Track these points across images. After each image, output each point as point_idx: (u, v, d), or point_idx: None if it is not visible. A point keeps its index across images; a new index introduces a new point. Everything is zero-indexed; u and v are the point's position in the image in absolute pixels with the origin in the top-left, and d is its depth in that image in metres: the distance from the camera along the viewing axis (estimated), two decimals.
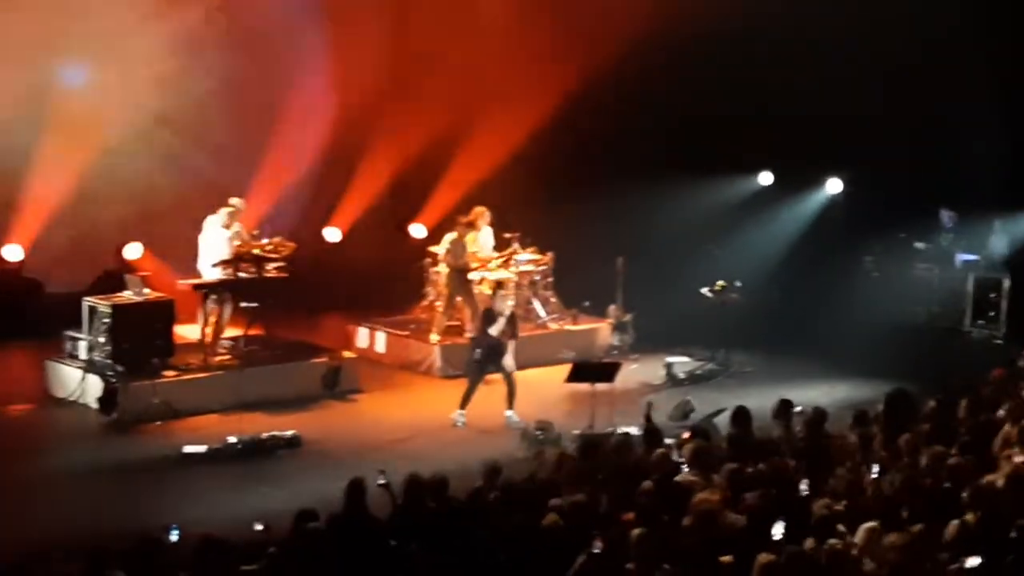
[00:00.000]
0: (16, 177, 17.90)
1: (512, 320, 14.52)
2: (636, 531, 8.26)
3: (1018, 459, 9.84)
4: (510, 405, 14.31)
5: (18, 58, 17.59)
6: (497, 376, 14.55)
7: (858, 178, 19.17)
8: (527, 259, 17.31)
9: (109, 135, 18.56)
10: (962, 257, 18.48)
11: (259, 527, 8.92)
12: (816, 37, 17.82)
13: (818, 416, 11.40)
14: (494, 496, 9.19)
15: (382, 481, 9.65)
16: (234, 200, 15.50)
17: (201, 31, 18.98)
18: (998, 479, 9.57)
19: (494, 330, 14.25)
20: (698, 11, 17.90)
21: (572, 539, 8.42)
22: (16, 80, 17.76)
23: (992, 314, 17.77)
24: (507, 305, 14.57)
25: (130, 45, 18.58)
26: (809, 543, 8.32)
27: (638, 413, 12.40)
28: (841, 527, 8.72)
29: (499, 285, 15.22)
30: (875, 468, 10.08)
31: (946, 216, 18.71)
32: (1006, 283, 17.68)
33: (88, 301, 14.75)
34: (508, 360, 14.41)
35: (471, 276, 16.56)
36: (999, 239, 18.28)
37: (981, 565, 7.95)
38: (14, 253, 17.91)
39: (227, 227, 15.31)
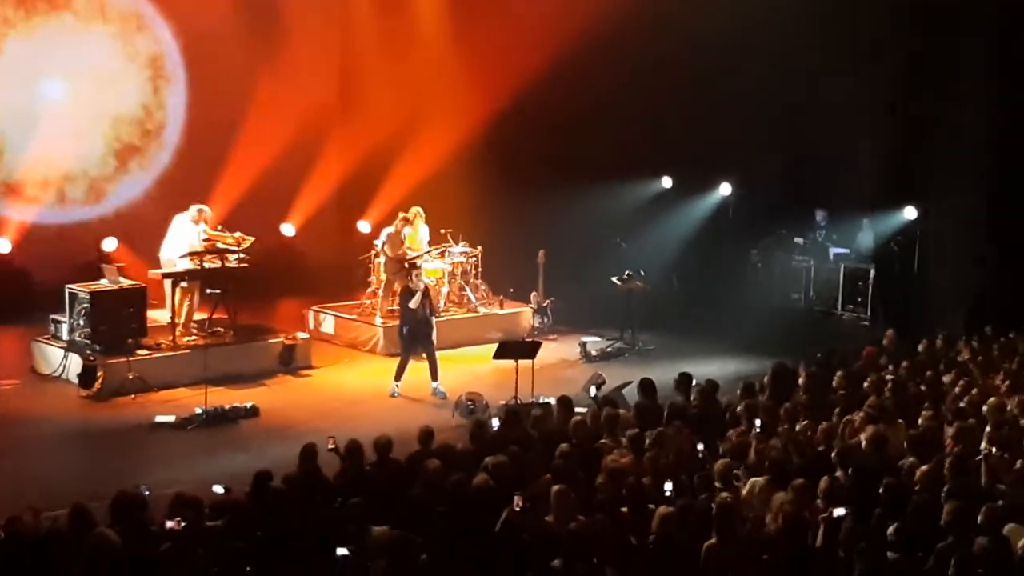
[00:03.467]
0: (7, 180, 17.87)
1: (427, 294, 14.46)
2: (555, 488, 8.33)
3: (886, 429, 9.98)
4: (434, 378, 14.26)
5: (13, 78, 17.55)
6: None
7: (745, 182, 19.38)
8: (460, 251, 17.31)
9: (85, 144, 18.49)
10: (835, 250, 18.75)
11: (219, 489, 8.86)
12: (703, 59, 17.90)
13: (711, 387, 11.53)
14: (432, 458, 9.19)
15: (332, 446, 9.64)
16: (202, 206, 15.39)
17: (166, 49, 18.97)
18: (862, 442, 9.75)
19: (413, 303, 14.20)
20: (608, 29, 17.93)
21: (500, 495, 8.47)
22: (11, 96, 17.69)
23: (860, 300, 18.05)
24: (421, 281, 14.50)
25: (104, 63, 18.49)
26: (702, 496, 8.45)
27: (556, 386, 12.39)
28: (734, 482, 8.86)
29: (412, 266, 15.20)
30: (758, 431, 10.22)
31: (819, 215, 19.01)
32: (872, 273, 17.98)
33: (70, 288, 14.55)
34: (433, 336, 14.40)
35: (407, 265, 16.49)
36: (866, 235, 18.58)
37: (848, 515, 8.10)
38: (2, 246, 17.61)
39: (196, 223, 15.16)
